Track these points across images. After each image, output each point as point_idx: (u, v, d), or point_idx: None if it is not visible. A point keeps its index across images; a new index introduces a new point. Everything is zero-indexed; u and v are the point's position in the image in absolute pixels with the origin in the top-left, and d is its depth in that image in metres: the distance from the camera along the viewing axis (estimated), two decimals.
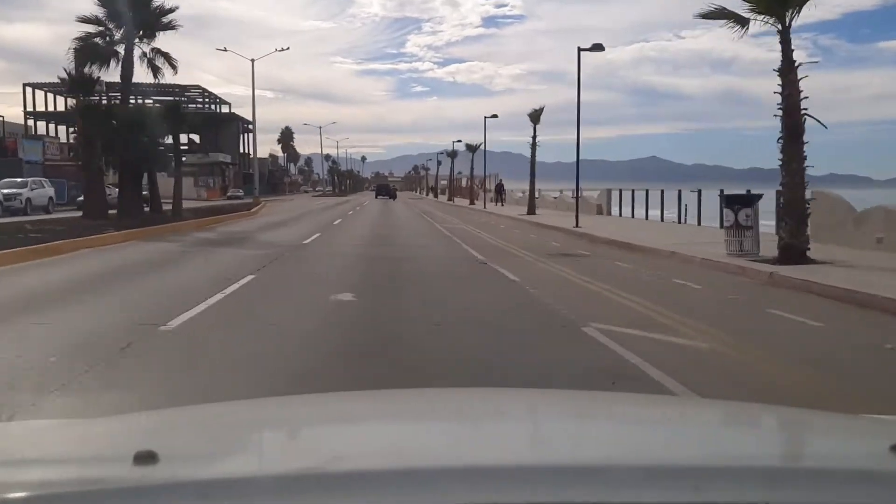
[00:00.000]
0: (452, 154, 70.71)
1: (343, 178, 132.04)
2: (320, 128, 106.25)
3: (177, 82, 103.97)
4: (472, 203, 53.95)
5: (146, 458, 1.06)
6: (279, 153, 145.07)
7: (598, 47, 24.34)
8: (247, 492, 1.01)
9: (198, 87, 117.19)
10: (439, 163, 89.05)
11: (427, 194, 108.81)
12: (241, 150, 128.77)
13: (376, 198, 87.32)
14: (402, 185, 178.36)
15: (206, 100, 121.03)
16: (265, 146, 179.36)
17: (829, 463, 1.20)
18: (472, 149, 53.23)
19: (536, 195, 36.96)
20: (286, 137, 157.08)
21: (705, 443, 1.42)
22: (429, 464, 1.15)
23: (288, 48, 54.51)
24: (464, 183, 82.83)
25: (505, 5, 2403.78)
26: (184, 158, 33.29)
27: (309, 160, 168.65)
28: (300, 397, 2.79)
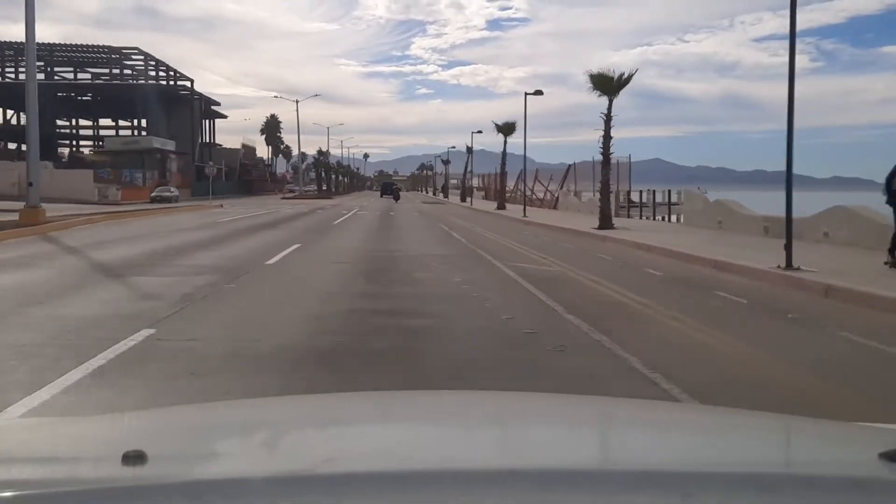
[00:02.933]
0: (506, 129, 38.89)
1: (332, 174, 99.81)
2: (297, 101, 74.44)
3: (108, 43, 70.20)
4: (605, 226, 20.64)
5: (135, 458, 1.03)
6: (258, 146, 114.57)
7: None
8: (237, 493, 0.97)
9: (136, 49, 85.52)
10: (469, 150, 57.24)
11: (446, 196, 76.89)
12: (203, 139, 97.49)
13: (381, 197, 74.59)
14: (409, 184, 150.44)
15: (161, 72, 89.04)
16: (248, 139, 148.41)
17: (817, 470, 1.17)
18: (617, 80, 20.60)
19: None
20: (271, 128, 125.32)
21: (695, 449, 1.39)
22: (420, 467, 1.12)
23: None
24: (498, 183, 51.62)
25: (509, 8, 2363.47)
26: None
27: (303, 156, 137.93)
28: (293, 398, 2.68)
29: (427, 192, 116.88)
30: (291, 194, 75.69)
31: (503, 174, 41.17)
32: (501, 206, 39.36)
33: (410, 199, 76.16)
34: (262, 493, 0.97)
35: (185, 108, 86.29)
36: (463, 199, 58.94)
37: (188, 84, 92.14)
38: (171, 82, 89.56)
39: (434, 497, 0.98)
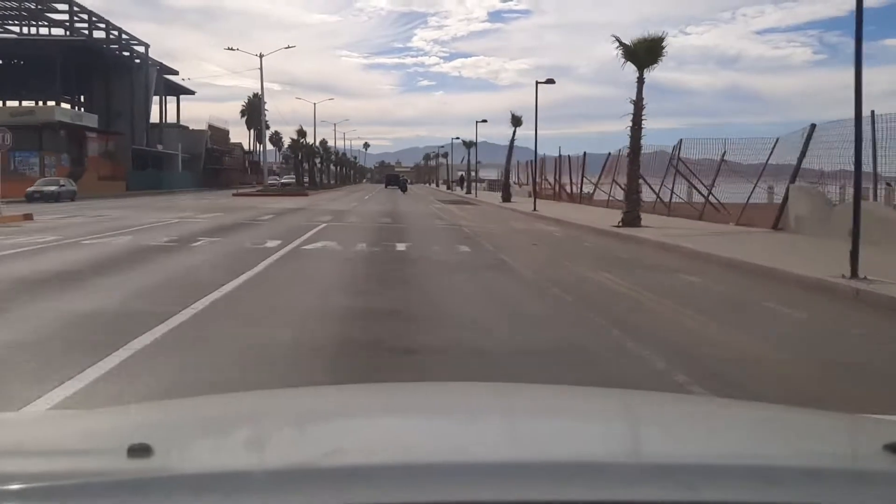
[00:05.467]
0: (647, 54, 17.37)
1: (315, 161, 77.66)
2: (260, 55, 53.07)
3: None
4: None
5: (140, 450, 1.02)
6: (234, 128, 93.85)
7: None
8: (241, 485, 0.96)
9: None
10: (522, 119, 35.76)
11: (469, 192, 55.35)
12: (157, 119, 76.56)
13: (386, 187, 71.69)
14: (413, 176, 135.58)
15: (97, 30, 67.49)
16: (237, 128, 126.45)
17: (822, 462, 1.15)
18: None
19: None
20: (254, 110, 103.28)
21: (699, 441, 1.37)
22: (426, 459, 1.11)
23: None
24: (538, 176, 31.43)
25: (511, 0, 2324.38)
26: None
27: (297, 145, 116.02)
28: (297, 390, 2.68)
29: (438, 186, 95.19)
30: (247, 190, 54.14)
31: (636, 155, 19.31)
32: (632, 221, 18.06)
33: (421, 195, 54.61)
34: (266, 485, 0.96)
35: (128, 78, 65.08)
36: (506, 198, 37.54)
37: (142, 50, 70.86)
38: (107, 42, 68.13)
39: (439, 490, 0.95)
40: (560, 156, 36.10)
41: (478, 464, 1.06)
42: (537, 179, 43.75)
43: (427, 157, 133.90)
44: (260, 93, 66.48)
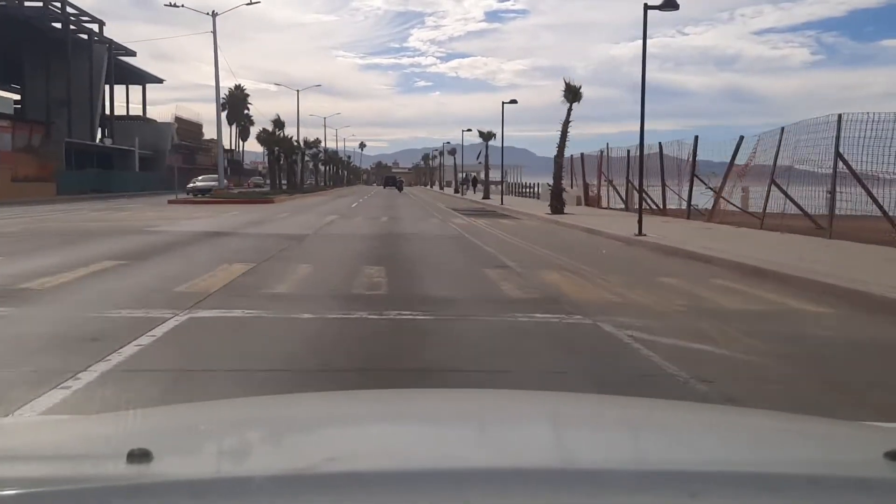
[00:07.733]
0: None
1: (296, 158, 64.77)
2: (213, 14, 40.50)
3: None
4: None
5: (140, 456, 1.01)
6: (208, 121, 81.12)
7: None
8: (241, 491, 0.97)
9: None
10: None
11: (487, 196, 42.97)
12: (121, 112, 64.28)
13: (385, 188, 72.62)
14: (412, 178, 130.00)
15: None
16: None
17: (823, 469, 1.14)
18: None
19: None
20: (237, 102, 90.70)
21: (701, 448, 1.35)
22: (424, 466, 1.09)
23: None
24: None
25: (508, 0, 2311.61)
26: None
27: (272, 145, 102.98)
28: (297, 396, 2.63)
29: (442, 189, 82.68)
30: (203, 193, 41.40)
31: None
32: None
33: (426, 201, 42.19)
34: (265, 491, 0.96)
35: (65, 57, 52.67)
36: (556, 209, 25.24)
37: (95, 28, 58.40)
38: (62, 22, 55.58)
39: (437, 496, 0.95)
40: (640, 146, 23.73)
41: (476, 470, 1.04)
42: (590, 182, 31.52)
43: (426, 158, 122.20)
44: (233, 80, 54.05)
